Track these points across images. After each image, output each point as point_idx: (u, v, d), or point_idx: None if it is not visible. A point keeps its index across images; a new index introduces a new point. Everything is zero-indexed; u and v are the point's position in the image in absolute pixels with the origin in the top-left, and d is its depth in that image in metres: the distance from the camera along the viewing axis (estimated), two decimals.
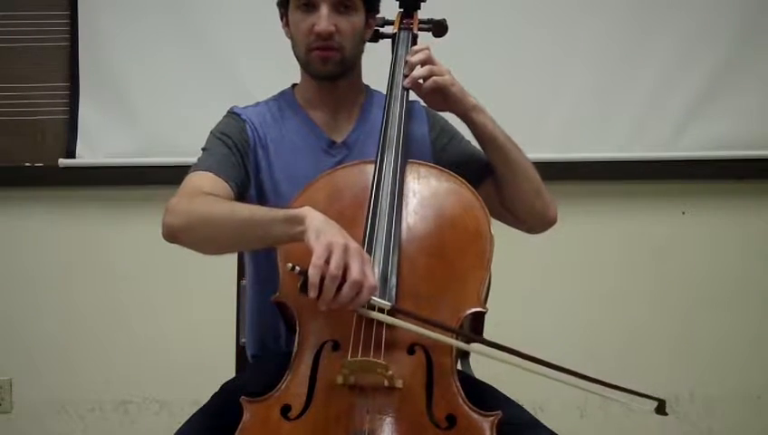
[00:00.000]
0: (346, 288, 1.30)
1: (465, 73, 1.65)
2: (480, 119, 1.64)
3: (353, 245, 1.33)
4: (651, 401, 1.39)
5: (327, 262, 1.29)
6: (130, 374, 2.88)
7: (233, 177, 1.62)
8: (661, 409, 1.38)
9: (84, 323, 2.88)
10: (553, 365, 1.36)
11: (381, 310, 1.37)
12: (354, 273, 1.30)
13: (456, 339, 1.41)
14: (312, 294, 1.29)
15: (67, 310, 2.89)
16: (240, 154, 1.67)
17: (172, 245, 1.50)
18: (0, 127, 2.82)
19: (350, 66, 1.70)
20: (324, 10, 1.62)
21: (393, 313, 1.38)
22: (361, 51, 1.74)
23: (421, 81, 1.61)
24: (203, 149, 1.68)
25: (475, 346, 1.44)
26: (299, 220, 1.36)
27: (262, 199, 1.67)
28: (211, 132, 1.71)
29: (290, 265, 1.31)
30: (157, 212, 1.52)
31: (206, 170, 1.60)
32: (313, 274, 1.29)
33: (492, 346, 1.37)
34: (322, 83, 1.71)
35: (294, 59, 1.72)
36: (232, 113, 1.74)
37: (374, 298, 1.35)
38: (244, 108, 1.76)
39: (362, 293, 1.31)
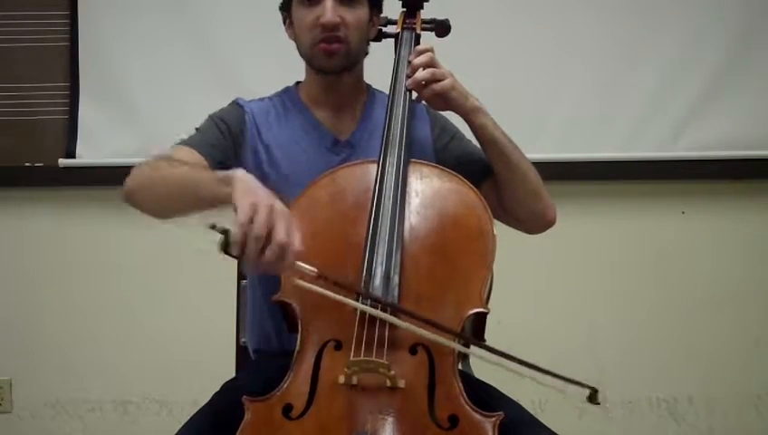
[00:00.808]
0: (270, 249, 1.26)
1: (466, 73, 1.66)
2: (480, 120, 1.64)
3: (279, 205, 1.30)
4: (584, 388, 1.38)
5: (252, 221, 1.26)
6: (130, 374, 2.88)
7: (214, 155, 1.62)
8: (593, 398, 1.38)
9: (84, 323, 2.88)
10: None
11: (384, 309, 1.37)
12: (279, 234, 1.27)
13: (457, 342, 1.41)
14: (235, 252, 1.27)
15: (67, 310, 2.89)
16: (232, 140, 1.68)
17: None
18: (0, 127, 2.82)
19: (355, 61, 1.71)
20: (329, 2, 1.63)
21: (396, 312, 1.38)
22: (365, 48, 1.74)
23: (423, 82, 1.61)
24: (196, 129, 1.69)
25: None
26: (228, 181, 1.35)
27: None
28: (209, 115, 1.72)
29: (210, 222, 1.28)
30: None
31: (186, 145, 1.62)
32: (236, 232, 1.26)
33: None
34: (327, 79, 1.72)
35: (296, 58, 1.73)
36: (235, 103, 1.76)
37: (300, 263, 1.32)
38: (249, 101, 1.77)
39: (286, 256, 1.28)
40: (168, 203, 1.51)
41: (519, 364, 1.35)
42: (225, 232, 1.27)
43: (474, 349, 1.44)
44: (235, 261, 1.89)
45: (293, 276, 1.35)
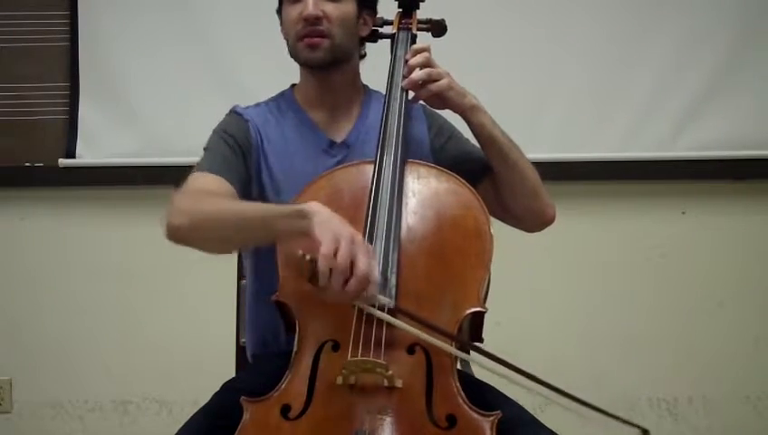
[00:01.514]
0: (354, 281, 1.30)
1: (463, 73, 1.66)
2: (478, 119, 1.64)
3: (359, 237, 1.34)
4: (636, 429, 1.38)
5: (335, 254, 1.30)
6: (130, 374, 2.89)
7: (235, 177, 1.62)
8: None
9: (84, 323, 2.88)
10: (550, 385, 1.37)
11: (382, 308, 1.37)
12: (362, 266, 1.30)
13: (455, 346, 1.41)
14: (323, 283, 1.30)
15: (67, 310, 2.89)
16: (242, 154, 1.67)
17: (172, 245, 1.50)
18: (0, 127, 2.82)
19: (342, 57, 1.70)
20: None
21: (394, 312, 1.38)
22: (356, 46, 1.74)
23: (420, 83, 1.61)
24: (205, 149, 1.68)
25: (473, 356, 1.43)
26: (304, 214, 1.36)
27: (263, 200, 1.67)
28: (213, 131, 1.71)
29: (301, 252, 1.30)
30: (157, 212, 1.52)
31: (208, 171, 1.61)
32: (323, 263, 1.29)
33: (491, 358, 1.37)
34: (318, 77, 1.72)
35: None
36: (234, 113, 1.75)
37: (380, 296, 1.35)
38: (246, 108, 1.76)
39: (369, 287, 1.32)
40: (231, 239, 1.52)
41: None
42: (312, 262, 1.30)
43: (472, 354, 1.44)
44: (235, 261, 1.91)
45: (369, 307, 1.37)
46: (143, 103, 2.80)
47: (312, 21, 1.64)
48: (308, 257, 1.30)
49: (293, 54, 1.71)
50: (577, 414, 1.38)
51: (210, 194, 1.54)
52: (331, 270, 1.30)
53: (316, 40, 1.65)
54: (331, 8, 1.65)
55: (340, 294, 1.32)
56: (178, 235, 1.48)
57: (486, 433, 1.33)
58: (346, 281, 1.31)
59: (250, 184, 1.67)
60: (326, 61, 1.68)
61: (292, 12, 1.67)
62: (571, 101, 2.79)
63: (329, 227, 1.32)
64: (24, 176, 2.84)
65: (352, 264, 1.30)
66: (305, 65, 1.71)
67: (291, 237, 1.40)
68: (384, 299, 1.37)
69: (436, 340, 1.38)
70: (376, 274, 1.33)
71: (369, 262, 1.32)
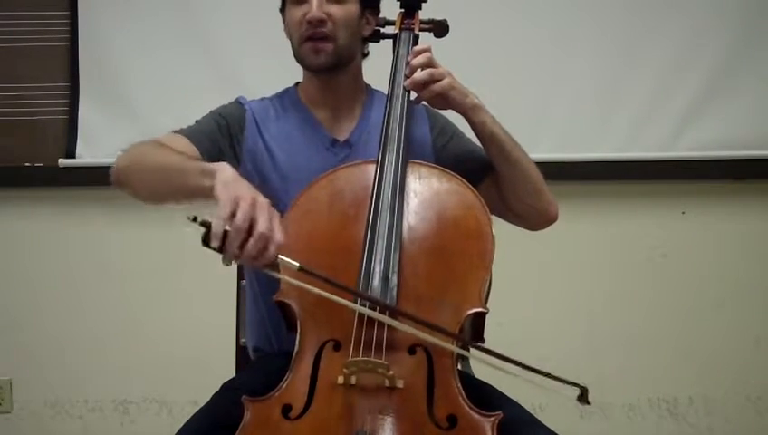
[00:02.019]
0: (252, 242, 1.27)
1: (465, 73, 1.66)
2: (479, 117, 1.64)
3: (261, 199, 1.31)
4: (574, 387, 1.38)
5: (234, 214, 1.27)
6: (130, 374, 2.88)
7: (207, 147, 1.62)
8: (584, 396, 1.38)
9: (84, 323, 2.88)
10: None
11: (382, 311, 1.37)
12: (261, 226, 1.27)
13: (456, 344, 1.41)
14: (215, 244, 1.26)
15: (67, 310, 2.89)
16: (230, 136, 1.69)
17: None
18: (0, 127, 2.82)
19: (346, 59, 1.71)
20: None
21: (393, 314, 1.38)
22: (359, 46, 1.75)
23: (422, 83, 1.61)
24: (195, 121, 1.70)
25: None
26: (211, 173, 1.35)
27: (270, 194, 1.65)
28: (211, 110, 1.74)
29: (191, 215, 1.26)
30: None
31: (182, 134, 1.63)
32: (217, 224, 1.26)
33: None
34: (322, 78, 1.72)
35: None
36: (236, 101, 1.77)
37: (282, 257, 1.32)
38: (250, 100, 1.77)
39: (269, 248, 1.28)
40: (154, 188, 1.52)
41: (509, 363, 1.35)
42: (206, 225, 1.26)
43: (472, 351, 1.44)
44: (232, 260, 1.90)
45: (275, 271, 1.35)
46: (143, 103, 2.79)
47: (317, 23, 1.64)
48: (200, 220, 1.26)
49: (297, 57, 1.71)
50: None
51: (164, 147, 1.54)
52: (227, 232, 1.26)
53: (320, 45, 1.66)
54: (335, 9, 1.65)
55: (240, 257, 1.28)
56: (119, 177, 1.52)
57: (487, 434, 1.32)
58: (244, 243, 1.27)
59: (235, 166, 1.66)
60: (330, 64, 1.68)
61: (296, 13, 1.67)
62: (572, 101, 2.80)
63: (229, 188, 1.30)
64: (24, 176, 2.84)
65: (253, 225, 1.27)
66: (309, 69, 1.71)
67: (198, 196, 1.39)
68: (290, 262, 1.33)
69: (438, 340, 1.38)
70: (279, 235, 1.29)
71: (270, 223, 1.28)
